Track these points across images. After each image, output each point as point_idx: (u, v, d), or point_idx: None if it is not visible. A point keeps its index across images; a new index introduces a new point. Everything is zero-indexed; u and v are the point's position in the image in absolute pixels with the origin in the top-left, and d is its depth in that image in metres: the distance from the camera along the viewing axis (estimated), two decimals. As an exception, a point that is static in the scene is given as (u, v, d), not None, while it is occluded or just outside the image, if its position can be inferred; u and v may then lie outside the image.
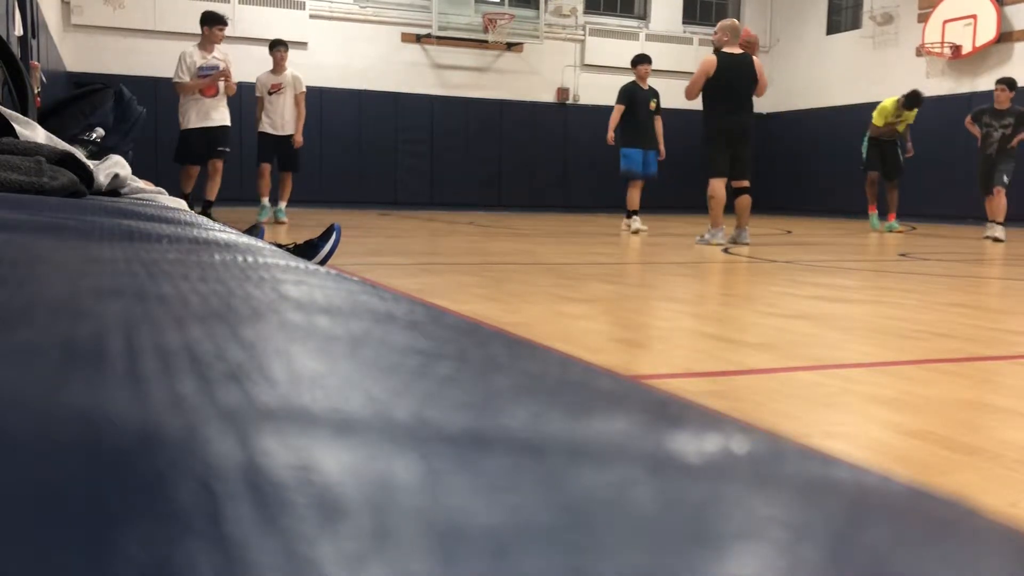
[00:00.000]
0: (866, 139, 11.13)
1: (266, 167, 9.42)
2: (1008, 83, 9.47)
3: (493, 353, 0.41)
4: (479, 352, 0.41)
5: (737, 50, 7.65)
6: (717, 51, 7.66)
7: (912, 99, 10.61)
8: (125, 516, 0.17)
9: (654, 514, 0.21)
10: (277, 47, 9.54)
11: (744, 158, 7.65)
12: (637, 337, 2.93)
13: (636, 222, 9.74)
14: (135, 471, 0.20)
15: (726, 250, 7.09)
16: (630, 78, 10.06)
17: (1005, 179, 9.34)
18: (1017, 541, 0.22)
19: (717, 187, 7.66)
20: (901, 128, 10.91)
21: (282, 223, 9.12)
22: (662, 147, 9.99)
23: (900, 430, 1.83)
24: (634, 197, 9.78)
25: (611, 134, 9.78)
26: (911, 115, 10.89)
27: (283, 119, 9.42)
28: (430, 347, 0.40)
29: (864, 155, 11.13)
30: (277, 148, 9.40)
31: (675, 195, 17.75)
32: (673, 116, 17.54)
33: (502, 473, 0.22)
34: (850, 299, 4.06)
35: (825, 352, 2.72)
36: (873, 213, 11.22)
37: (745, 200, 7.72)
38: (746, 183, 7.72)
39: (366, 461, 0.22)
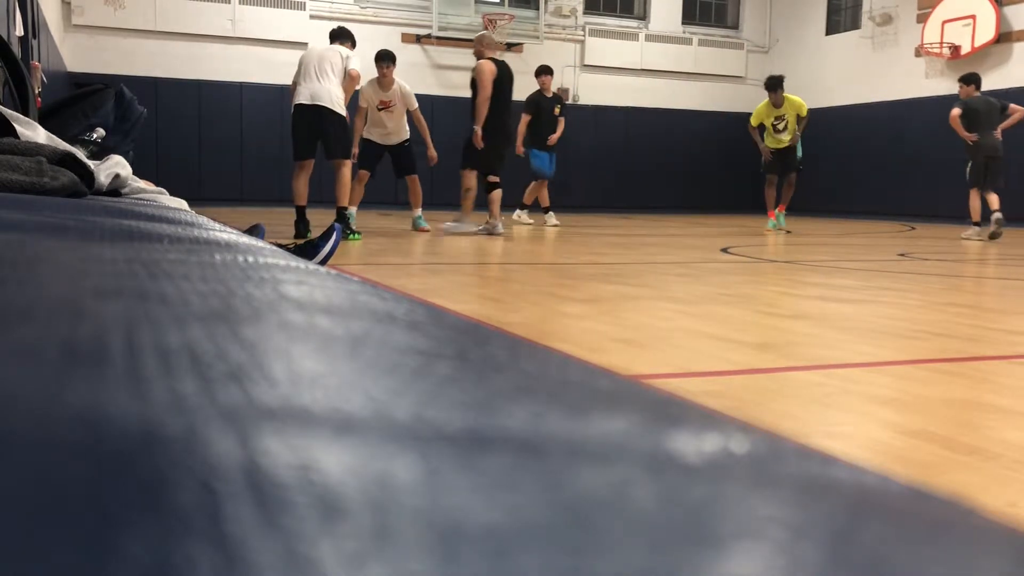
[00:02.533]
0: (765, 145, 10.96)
1: (365, 174, 8.52)
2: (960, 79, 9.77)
3: (493, 353, 0.41)
4: (479, 352, 0.41)
5: (500, 56, 8.54)
6: (482, 58, 8.40)
7: (768, 83, 10.57)
8: (125, 516, 0.17)
9: (654, 514, 0.21)
10: (384, 61, 8.41)
11: (505, 156, 8.67)
12: (637, 337, 2.93)
13: (552, 218, 10.89)
14: (136, 471, 0.20)
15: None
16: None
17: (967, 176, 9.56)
18: (1016, 541, 0.22)
19: (473, 180, 8.56)
20: (787, 134, 10.63)
21: (425, 230, 8.56)
22: (556, 135, 11.02)
23: (900, 430, 1.83)
24: (544, 195, 10.97)
25: (520, 146, 10.57)
26: (794, 106, 10.53)
27: (391, 128, 8.60)
28: (430, 347, 0.40)
29: (763, 160, 11.02)
30: (383, 156, 8.62)
31: (673, 195, 17.76)
32: (670, 116, 17.58)
33: (502, 473, 0.22)
34: (850, 299, 4.06)
35: (825, 352, 2.72)
36: (772, 218, 11.05)
37: (498, 193, 8.63)
38: (498, 178, 8.66)
39: (366, 461, 0.22)
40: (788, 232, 10.56)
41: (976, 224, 9.48)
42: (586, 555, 0.18)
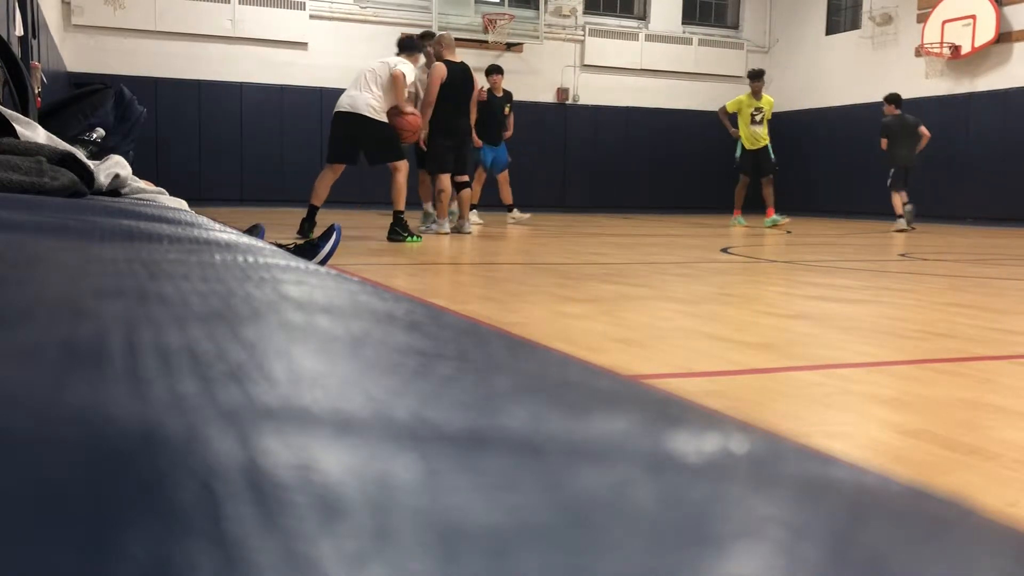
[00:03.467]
0: (739, 145, 11.88)
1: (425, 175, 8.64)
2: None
3: (493, 353, 0.41)
4: (479, 352, 0.41)
5: (456, 58, 8.46)
6: (440, 59, 8.39)
7: (753, 73, 11.82)
8: (125, 516, 0.17)
9: (654, 514, 0.21)
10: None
11: (466, 156, 8.68)
12: (637, 337, 2.93)
13: (475, 216, 10.76)
14: (136, 471, 0.20)
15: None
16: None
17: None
18: (1016, 541, 0.22)
19: (447, 182, 8.51)
20: (763, 127, 11.64)
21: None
22: (509, 132, 11.22)
23: (900, 430, 1.83)
24: (477, 191, 10.97)
25: (476, 139, 10.61)
26: (768, 104, 11.66)
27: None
28: (430, 347, 0.40)
29: (737, 158, 11.90)
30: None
31: (672, 195, 17.75)
32: (670, 116, 17.57)
33: (502, 473, 0.22)
34: (850, 299, 4.06)
35: (825, 352, 2.72)
36: (738, 216, 12.14)
37: (467, 193, 8.85)
38: (467, 178, 8.79)
39: (366, 461, 0.22)
40: (789, 232, 10.67)
41: (901, 217, 11.40)
42: (586, 555, 0.18)
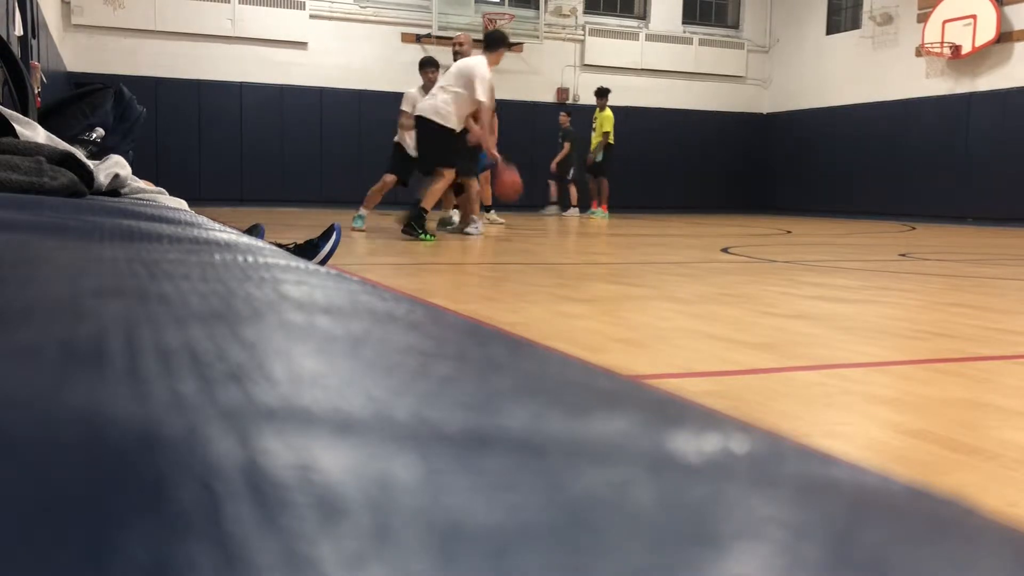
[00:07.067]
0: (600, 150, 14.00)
1: (392, 179, 8.58)
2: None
3: (493, 353, 0.41)
4: (479, 352, 0.41)
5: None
6: (458, 57, 8.34)
7: (596, 92, 13.92)
8: (125, 516, 0.17)
9: (654, 514, 0.21)
10: (427, 67, 8.56)
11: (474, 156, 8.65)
12: (637, 337, 2.93)
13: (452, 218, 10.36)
14: (135, 471, 0.20)
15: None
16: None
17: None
18: (1016, 541, 0.22)
19: (475, 183, 8.58)
20: (598, 132, 13.66)
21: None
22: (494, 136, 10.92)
23: (900, 430, 1.83)
24: (485, 191, 10.88)
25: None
26: (604, 119, 13.67)
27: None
28: (430, 347, 0.40)
29: (598, 161, 13.98)
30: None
31: (673, 195, 17.74)
32: (670, 116, 17.56)
33: (502, 473, 0.22)
34: (850, 299, 4.06)
35: (825, 352, 2.72)
36: (597, 209, 14.21)
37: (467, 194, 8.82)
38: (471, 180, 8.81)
39: (366, 461, 0.22)
40: (789, 233, 10.73)
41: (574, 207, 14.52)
42: (586, 555, 0.18)
